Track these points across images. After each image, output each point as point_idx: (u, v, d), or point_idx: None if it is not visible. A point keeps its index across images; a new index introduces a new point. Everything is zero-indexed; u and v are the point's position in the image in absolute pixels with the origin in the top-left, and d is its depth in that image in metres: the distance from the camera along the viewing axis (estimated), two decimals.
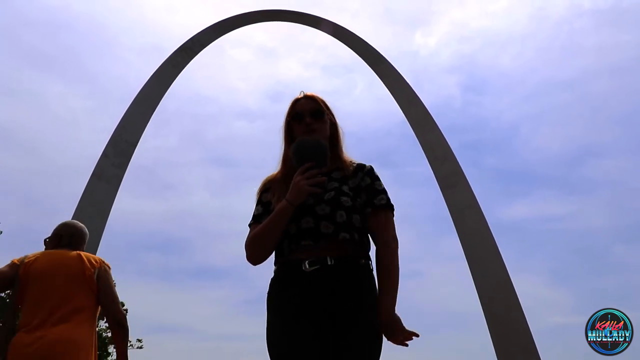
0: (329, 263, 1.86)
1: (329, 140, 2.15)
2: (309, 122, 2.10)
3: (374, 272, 1.97)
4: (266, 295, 1.99)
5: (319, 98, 2.17)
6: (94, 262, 3.16)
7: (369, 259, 1.99)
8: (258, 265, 2.02)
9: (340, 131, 2.21)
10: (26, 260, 3.10)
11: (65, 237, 3.29)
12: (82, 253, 3.19)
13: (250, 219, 2.10)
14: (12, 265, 3.10)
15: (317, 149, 1.96)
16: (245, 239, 2.04)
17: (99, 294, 3.10)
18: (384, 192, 2.07)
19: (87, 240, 3.39)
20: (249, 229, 2.07)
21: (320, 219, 1.91)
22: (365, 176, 2.10)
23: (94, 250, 21.93)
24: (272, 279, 2.00)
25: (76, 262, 3.10)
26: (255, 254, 1.99)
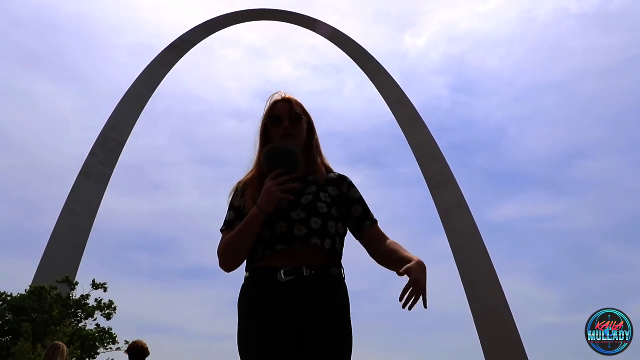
0: (305, 274, 1.84)
1: (306, 143, 2.10)
2: (287, 126, 2.04)
3: (346, 281, 1.98)
4: (237, 302, 1.93)
5: (297, 101, 2.12)
6: None
7: (341, 266, 2.00)
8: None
9: (317, 135, 2.16)
10: None
11: None
12: None
13: (222, 224, 2.03)
14: None
15: (288, 155, 1.92)
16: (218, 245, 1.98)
17: None
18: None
19: None
20: (221, 235, 2.01)
21: (295, 223, 1.89)
22: (353, 188, 2.11)
23: (81, 248, 21.61)
24: (244, 286, 1.95)
25: None
26: (228, 262, 1.94)
